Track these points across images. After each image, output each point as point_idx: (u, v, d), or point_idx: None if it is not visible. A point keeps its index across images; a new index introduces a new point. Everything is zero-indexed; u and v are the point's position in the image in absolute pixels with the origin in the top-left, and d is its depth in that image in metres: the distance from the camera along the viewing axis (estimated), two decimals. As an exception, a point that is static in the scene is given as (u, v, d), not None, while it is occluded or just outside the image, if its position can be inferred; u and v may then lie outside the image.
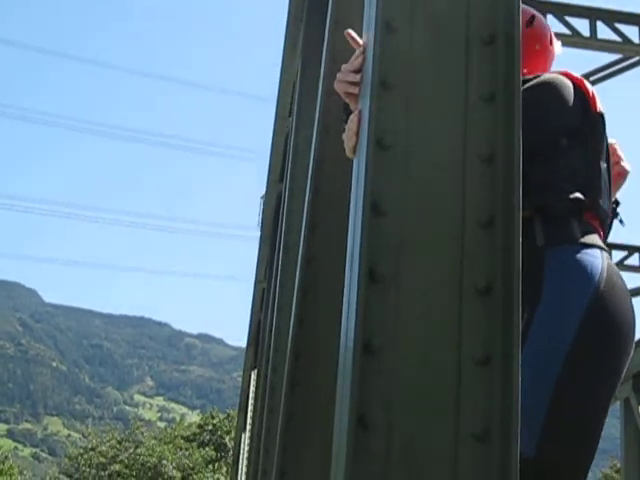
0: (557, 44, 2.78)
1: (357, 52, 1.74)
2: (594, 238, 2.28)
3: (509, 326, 1.34)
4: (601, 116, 2.48)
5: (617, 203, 2.60)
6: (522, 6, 2.57)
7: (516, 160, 1.42)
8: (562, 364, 2.12)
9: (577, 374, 2.13)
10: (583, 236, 2.25)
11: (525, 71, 2.48)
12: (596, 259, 2.22)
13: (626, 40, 6.24)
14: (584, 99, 2.45)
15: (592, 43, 6.48)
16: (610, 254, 2.36)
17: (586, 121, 2.42)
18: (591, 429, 2.18)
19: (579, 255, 2.22)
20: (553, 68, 2.74)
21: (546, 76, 2.48)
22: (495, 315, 1.34)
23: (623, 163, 2.70)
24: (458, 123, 1.42)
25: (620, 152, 2.69)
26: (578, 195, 2.28)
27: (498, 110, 1.43)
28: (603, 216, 2.37)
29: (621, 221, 2.52)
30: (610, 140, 2.58)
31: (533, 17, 2.71)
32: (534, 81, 2.44)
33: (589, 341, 2.14)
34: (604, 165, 2.43)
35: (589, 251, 2.23)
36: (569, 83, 2.45)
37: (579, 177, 2.34)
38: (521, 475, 2.04)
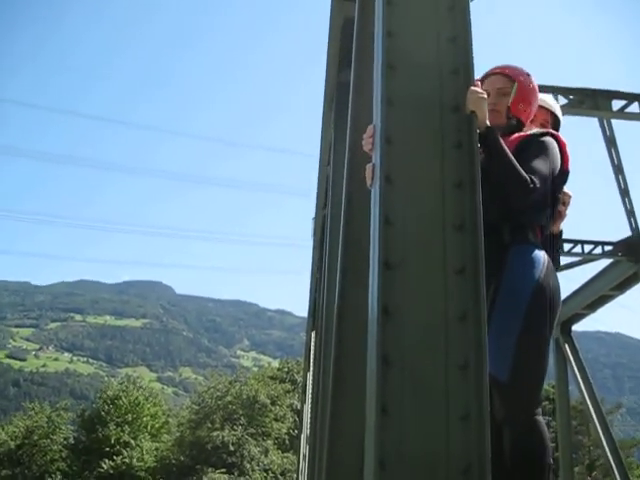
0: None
1: (371, 126, 1.78)
2: (539, 242, 2.32)
3: (477, 294, 1.34)
4: (568, 173, 2.40)
5: (561, 233, 2.63)
6: (518, 67, 2.37)
7: (477, 189, 1.41)
8: (523, 317, 2.12)
9: (533, 323, 2.14)
10: (534, 240, 2.29)
11: (532, 111, 2.44)
12: (541, 252, 2.27)
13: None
14: (562, 159, 2.37)
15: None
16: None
17: (560, 175, 2.35)
18: (544, 358, 2.20)
19: (532, 250, 2.25)
20: None
21: (550, 138, 2.35)
22: (467, 287, 1.34)
23: (566, 211, 2.69)
24: (438, 159, 1.42)
25: (569, 202, 2.68)
26: (535, 216, 2.31)
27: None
28: (545, 232, 2.38)
29: (558, 250, 2.53)
30: (569, 192, 2.59)
31: (529, 75, 2.48)
32: (545, 138, 2.34)
33: (539, 301, 2.16)
34: (556, 206, 2.43)
35: (537, 249, 2.27)
36: (556, 145, 2.35)
37: (542, 208, 2.33)
38: (499, 394, 2.03)
